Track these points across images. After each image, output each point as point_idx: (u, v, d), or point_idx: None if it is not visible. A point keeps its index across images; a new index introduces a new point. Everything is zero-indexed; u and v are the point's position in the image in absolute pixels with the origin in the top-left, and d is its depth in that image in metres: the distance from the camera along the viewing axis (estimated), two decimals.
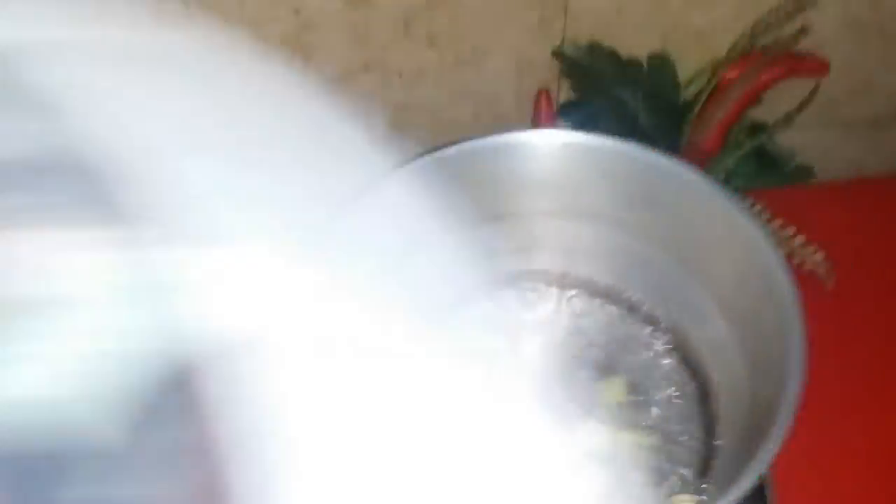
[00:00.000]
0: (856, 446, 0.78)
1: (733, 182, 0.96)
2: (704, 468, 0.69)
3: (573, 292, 0.80)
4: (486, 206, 0.73)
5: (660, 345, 0.76)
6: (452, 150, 0.69)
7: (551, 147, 0.71)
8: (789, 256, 0.88)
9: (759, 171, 0.98)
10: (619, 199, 0.72)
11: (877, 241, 0.90)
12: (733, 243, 0.67)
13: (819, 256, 0.87)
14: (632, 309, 0.78)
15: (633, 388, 0.74)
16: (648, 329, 0.77)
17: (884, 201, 0.94)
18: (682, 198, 0.69)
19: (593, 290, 0.79)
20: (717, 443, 0.70)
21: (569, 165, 0.71)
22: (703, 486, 0.68)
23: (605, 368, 0.75)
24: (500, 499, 0.63)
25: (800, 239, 0.87)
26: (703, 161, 0.93)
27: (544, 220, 0.74)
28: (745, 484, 0.53)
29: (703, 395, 0.73)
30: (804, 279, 0.87)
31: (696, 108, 0.94)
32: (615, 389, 0.73)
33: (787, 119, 0.94)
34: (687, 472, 0.69)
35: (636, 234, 0.74)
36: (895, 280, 0.88)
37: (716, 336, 0.71)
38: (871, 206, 0.93)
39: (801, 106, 0.94)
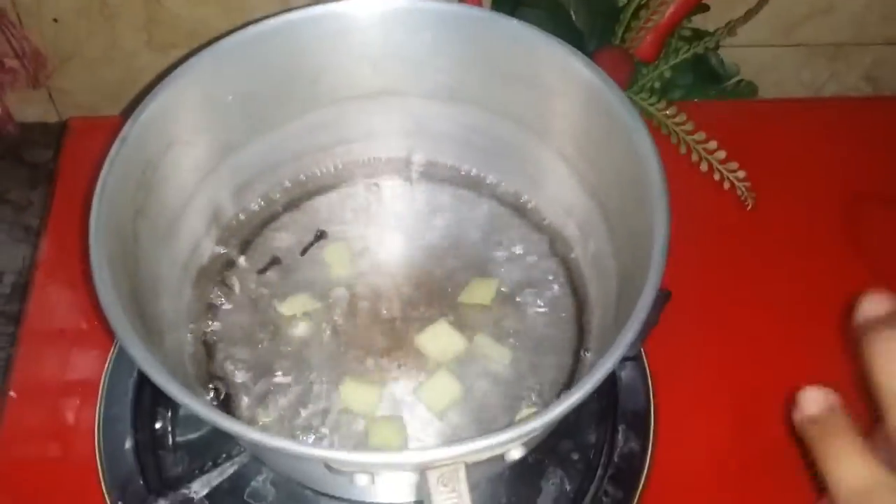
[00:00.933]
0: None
1: (670, 93, 0.90)
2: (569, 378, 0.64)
3: (423, 180, 0.74)
4: (317, 89, 0.66)
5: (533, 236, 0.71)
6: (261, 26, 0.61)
7: (376, 16, 0.63)
8: (710, 171, 0.81)
9: (697, 83, 0.91)
10: (465, 70, 0.65)
11: (803, 163, 0.83)
12: (586, 103, 0.60)
13: (741, 174, 0.80)
14: (493, 195, 0.73)
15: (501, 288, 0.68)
16: (515, 218, 0.71)
17: (820, 123, 0.87)
18: (527, 60, 0.62)
19: (445, 176, 0.73)
20: (585, 353, 0.65)
21: (403, 36, 0.64)
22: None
23: (469, 266, 0.69)
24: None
25: (721, 153, 0.81)
26: (632, 68, 0.86)
27: (388, 101, 0.69)
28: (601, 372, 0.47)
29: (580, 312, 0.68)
30: (725, 196, 0.81)
31: (633, 12, 0.87)
32: (482, 291, 0.68)
33: (730, 28, 0.87)
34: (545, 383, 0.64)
35: (489, 111, 0.67)
36: (815, 202, 0.81)
37: (582, 220, 0.66)
38: (807, 126, 0.86)
39: (747, 16, 0.87)
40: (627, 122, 0.56)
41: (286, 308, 0.66)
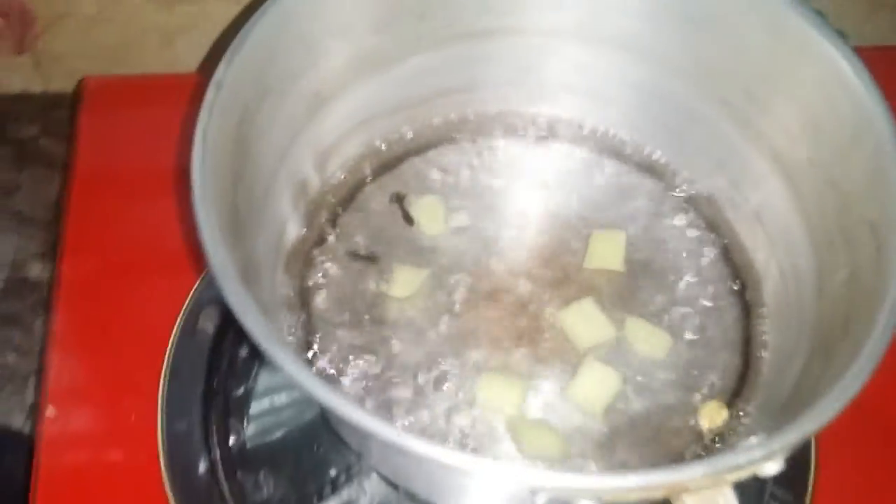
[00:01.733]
0: None
1: None
2: (739, 381, 0.54)
3: (575, 145, 0.63)
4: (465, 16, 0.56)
5: (686, 217, 0.60)
6: None
7: None
8: None
9: None
10: (645, 17, 0.55)
11: None
12: (804, 72, 0.50)
13: None
14: (650, 169, 0.62)
15: (650, 270, 0.58)
16: (671, 196, 0.60)
17: None
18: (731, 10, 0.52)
19: (604, 144, 0.62)
20: (758, 354, 0.55)
21: None
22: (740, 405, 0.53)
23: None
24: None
25: None
26: None
27: (546, 42, 0.58)
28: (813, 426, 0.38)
29: (742, 288, 0.57)
30: None
31: None
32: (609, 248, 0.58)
33: None
34: (717, 382, 0.54)
35: (663, 67, 0.57)
36: None
37: (766, 204, 0.55)
38: None
39: None
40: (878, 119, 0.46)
41: (396, 289, 0.55)
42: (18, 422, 0.91)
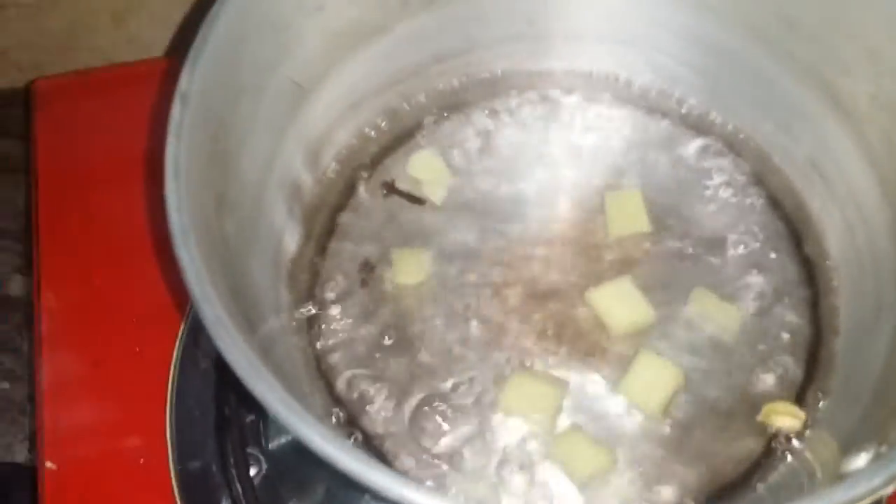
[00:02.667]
0: None
1: None
2: (811, 359, 0.48)
3: (594, 100, 0.56)
4: None
5: (728, 170, 0.54)
6: None
7: None
8: None
9: None
10: None
11: None
12: None
13: None
14: (681, 118, 0.55)
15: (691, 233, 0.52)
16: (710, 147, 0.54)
17: None
18: None
19: (625, 95, 0.56)
20: (828, 320, 0.49)
21: None
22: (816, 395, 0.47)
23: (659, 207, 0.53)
24: None
25: None
26: None
27: None
28: None
29: (799, 243, 0.51)
30: None
31: None
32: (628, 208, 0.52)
33: None
34: (789, 361, 0.48)
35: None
36: None
37: (822, 148, 0.49)
38: None
39: None
40: None
41: (402, 276, 0.50)
42: (21, 451, 0.86)
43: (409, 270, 0.51)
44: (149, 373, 0.55)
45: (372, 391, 0.48)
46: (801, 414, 0.45)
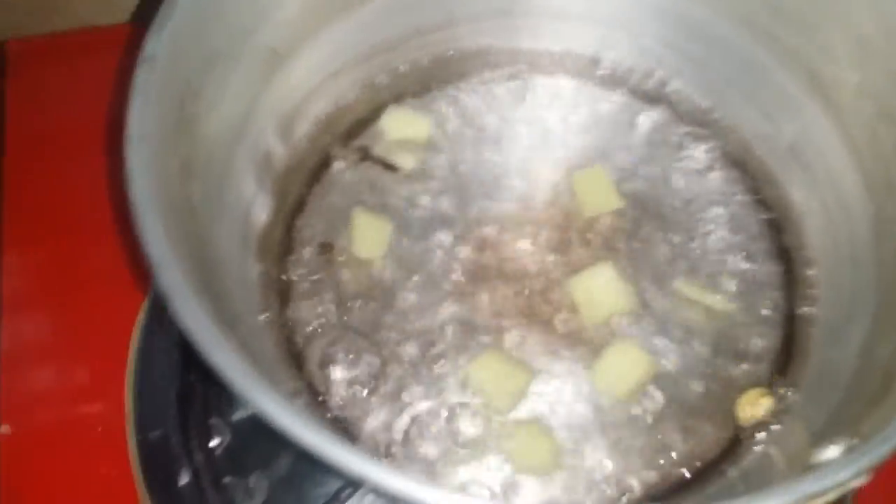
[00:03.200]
0: None
1: None
2: (785, 350, 0.48)
3: (577, 78, 0.55)
4: None
5: (710, 155, 0.53)
6: None
7: None
8: None
9: None
10: None
11: None
12: None
13: None
14: (663, 101, 0.55)
15: (670, 218, 0.51)
16: (691, 133, 0.54)
17: None
18: None
19: (608, 75, 0.55)
20: (805, 310, 0.48)
21: None
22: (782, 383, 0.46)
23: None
24: None
25: None
26: None
27: None
28: None
29: (778, 231, 0.51)
30: None
31: None
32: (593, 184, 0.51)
33: None
34: (763, 351, 0.47)
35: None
36: None
37: (804, 137, 0.48)
38: None
39: None
40: None
41: (362, 248, 0.49)
42: None
43: (371, 243, 0.50)
44: (111, 339, 0.54)
45: (340, 368, 0.47)
46: (769, 401, 0.45)
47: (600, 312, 0.48)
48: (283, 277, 0.49)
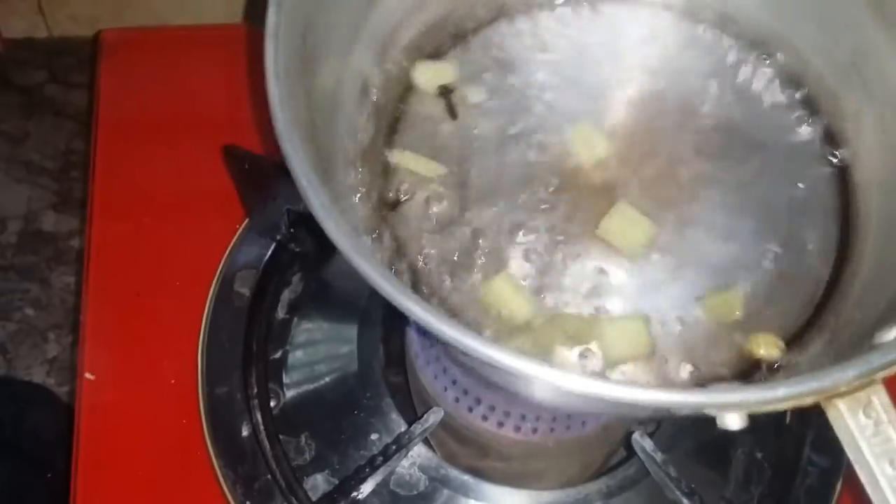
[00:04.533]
0: None
1: None
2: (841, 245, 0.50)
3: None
4: None
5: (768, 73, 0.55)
6: None
7: None
8: None
9: None
10: None
11: None
12: None
13: None
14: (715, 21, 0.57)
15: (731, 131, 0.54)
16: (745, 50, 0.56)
17: None
18: None
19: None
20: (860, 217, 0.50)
21: None
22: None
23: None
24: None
25: None
26: None
27: None
28: None
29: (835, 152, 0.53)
30: None
31: None
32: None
33: None
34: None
35: None
36: None
37: (861, 50, 0.52)
38: None
39: None
40: None
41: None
42: (39, 375, 0.91)
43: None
44: (186, 306, 0.61)
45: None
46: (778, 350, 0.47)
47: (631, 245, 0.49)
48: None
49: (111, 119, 0.70)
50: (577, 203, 0.50)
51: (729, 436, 0.59)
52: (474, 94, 0.54)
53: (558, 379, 0.33)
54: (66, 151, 0.95)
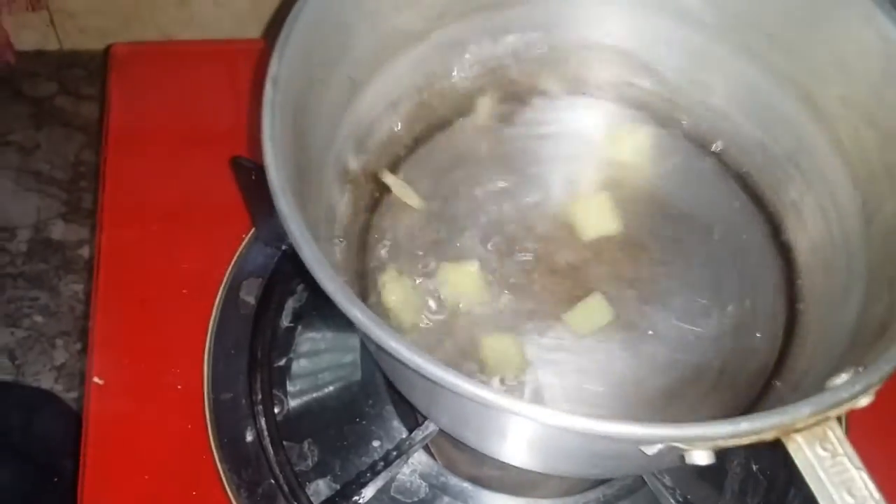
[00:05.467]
0: None
1: None
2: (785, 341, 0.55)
3: (604, 103, 0.63)
4: None
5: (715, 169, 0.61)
6: None
7: None
8: None
9: None
10: None
11: None
12: (827, 12, 0.51)
13: None
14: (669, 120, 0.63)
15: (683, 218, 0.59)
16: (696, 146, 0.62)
17: None
18: None
19: (632, 100, 0.63)
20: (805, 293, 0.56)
21: None
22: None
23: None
24: None
25: None
26: None
27: (567, 4, 0.59)
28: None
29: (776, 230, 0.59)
30: None
31: None
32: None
33: None
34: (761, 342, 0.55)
35: (682, 19, 0.58)
36: None
37: (801, 148, 0.57)
38: None
39: None
40: None
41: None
42: (48, 381, 0.92)
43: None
44: (192, 313, 0.63)
45: None
46: None
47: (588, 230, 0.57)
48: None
49: (121, 131, 0.71)
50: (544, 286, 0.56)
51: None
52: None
53: (535, 413, 0.36)
54: (75, 162, 0.97)
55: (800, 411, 0.37)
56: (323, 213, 0.53)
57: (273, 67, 0.46)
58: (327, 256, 0.49)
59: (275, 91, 0.46)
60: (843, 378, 0.41)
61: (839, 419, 0.41)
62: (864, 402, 0.39)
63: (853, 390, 0.38)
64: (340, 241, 0.55)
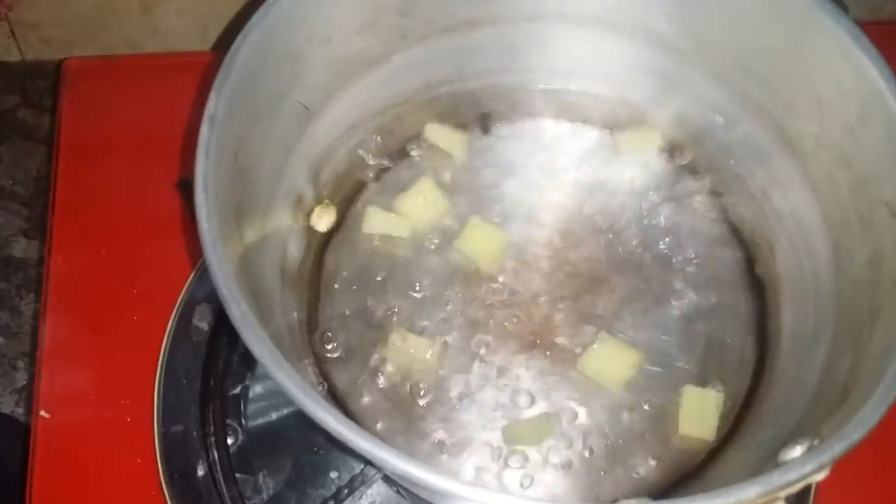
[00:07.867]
0: None
1: None
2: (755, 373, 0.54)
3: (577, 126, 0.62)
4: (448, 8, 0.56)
5: (692, 197, 0.60)
6: None
7: None
8: None
9: None
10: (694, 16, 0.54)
11: None
12: (803, 47, 0.50)
13: None
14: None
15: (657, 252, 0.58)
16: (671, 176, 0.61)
17: None
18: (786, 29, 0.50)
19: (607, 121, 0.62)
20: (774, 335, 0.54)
21: None
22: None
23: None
24: None
25: None
26: None
27: (530, 27, 0.58)
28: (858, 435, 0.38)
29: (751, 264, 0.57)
30: None
31: None
32: None
33: None
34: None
35: (657, 46, 0.57)
36: None
37: (773, 181, 0.56)
38: None
39: None
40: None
41: None
42: (9, 404, 0.90)
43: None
44: (143, 341, 0.60)
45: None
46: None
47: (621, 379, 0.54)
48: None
49: (72, 150, 0.69)
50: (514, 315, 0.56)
51: None
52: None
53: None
54: (37, 177, 0.95)
55: (746, 493, 0.36)
56: (270, 250, 0.51)
57: (210, 105, 0.44)
58: (269, 301, 0.47)
59: (211, 131, 0.43)
60: (796, 451, 0.41)
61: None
62: (819, 477, 0.38)
63: (802, 471, 0.37)
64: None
